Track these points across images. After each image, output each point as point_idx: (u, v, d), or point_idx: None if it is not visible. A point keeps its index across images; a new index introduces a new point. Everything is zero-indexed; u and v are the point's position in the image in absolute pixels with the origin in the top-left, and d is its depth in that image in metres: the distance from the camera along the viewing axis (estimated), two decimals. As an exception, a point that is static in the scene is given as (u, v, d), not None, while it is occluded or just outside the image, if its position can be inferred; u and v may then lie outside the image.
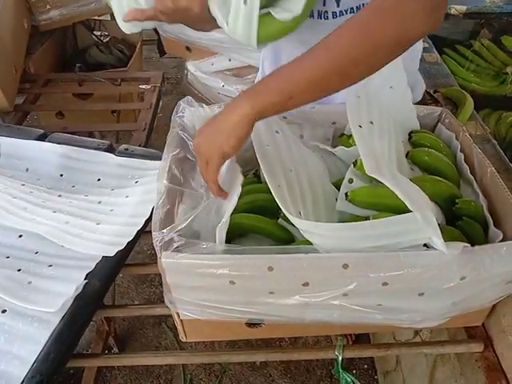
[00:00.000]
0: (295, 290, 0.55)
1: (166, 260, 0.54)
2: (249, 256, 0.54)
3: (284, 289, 0.55)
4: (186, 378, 1.36)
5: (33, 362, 0.62)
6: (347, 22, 0.54)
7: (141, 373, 1.37)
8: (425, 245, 0.55)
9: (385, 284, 0.54)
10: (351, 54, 0.52)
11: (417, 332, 1.00)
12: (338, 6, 0.70)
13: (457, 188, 0.67)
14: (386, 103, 0.74)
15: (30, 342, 0.64)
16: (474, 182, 0.67)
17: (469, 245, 0.55)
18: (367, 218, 0.60)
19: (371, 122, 0.68)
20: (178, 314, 0.62)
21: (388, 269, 0.54)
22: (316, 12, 0.72)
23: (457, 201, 0.63)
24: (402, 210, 0.54)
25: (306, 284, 0.54)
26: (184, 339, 0.67)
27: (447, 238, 0.53)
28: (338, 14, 0.71)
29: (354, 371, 1.39)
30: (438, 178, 0.66)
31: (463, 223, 0.61)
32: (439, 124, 0.80)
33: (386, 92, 0.75)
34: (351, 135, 0.71)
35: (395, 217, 0.54)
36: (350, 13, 0.71)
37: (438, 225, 0.53)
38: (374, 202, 0.62)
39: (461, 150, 0.73)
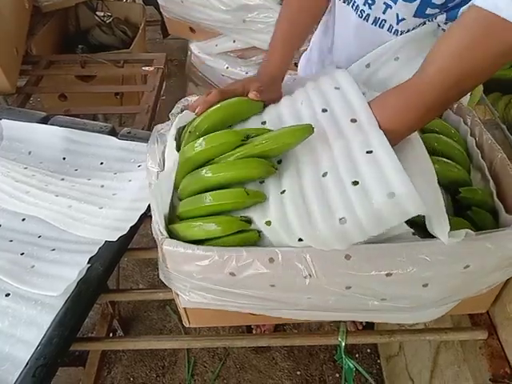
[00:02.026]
0: (297, 282, 0.54)
1: (167, 247, 0.53)
2: (249, 248, 0.53)
3: (285, 281, 0.54)
4: (190, 360, 1.37)
5: (36, 345, 0.62)
6: (446, 41, 0.53)
7: (145, 355, 1.38)
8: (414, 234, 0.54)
9: (389, 275, 0.53)
10: (464, 69, 0.52)
11: (420, 318, 0.99)
12: (398, 24, 0.71)
13: (467, 173, 0.66)
14: (392, 76, 0.73)
15: (34, 326, 0.64)
16: (486, 167, 0.66)
17: (473, 232, 0.53)
18: None
19: None
20: (179, 300, 0.61)
21: (391, 259, 0.53)
22: (372, 18, 0.72)
23: (460, 189, 0.62)
24: None
25: (307, 276, 0.53)
26: (187, 325, 0.67)
27: (455, 229, 0.52)
28: (393, 31, 0.72)
29: (357, 355, 1.40)
30: (448, 161, 0.64)
31: (471, 213, 0.60)
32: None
33: (393, 64, 0.73)
34: None
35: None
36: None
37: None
38: None
39: (471, 135, 0.71)
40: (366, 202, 0.49)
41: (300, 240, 0.51)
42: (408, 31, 0.71)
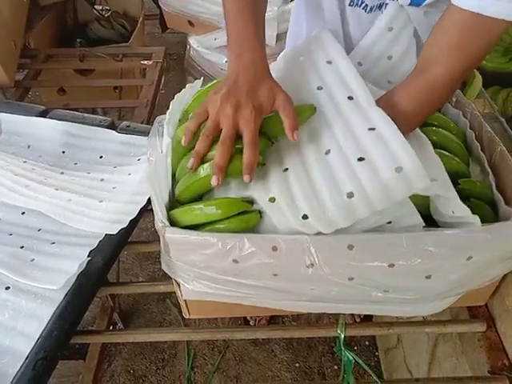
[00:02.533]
0: (300, 272, 0.53)
1: (169, 235, 0.53)
2: (251, 235, 0.53)
3: (288, 271, 0.54)
4: (190, 352, 1.38)
5: (37, 338, 0.63)
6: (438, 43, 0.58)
7: (145, 347, 1.39)
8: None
9: (391, 266, 0.53)
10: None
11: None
12: None
13: (466, 166, 0.66)
14: (385, 74, 0.73)
15: (34, 319, 0.64)
16: (485, 160, 0.66)
17: (480, 223, 0.54)
18: None
19: None
20: (180, 291, 0.62)
21: (394, 249, 0.53)
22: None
23: (459, 181, 0.62)
24: None
25: (310, 266, 0.53)
26: (187, 316, 0.67)
27: None
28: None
29: (355, 348, 1.41)
30: (447, 153, 0.64)
31: (471, 205, 0.60)
32: (445, 102, 0.78)
33: (384, 62, 0.73)
34: None
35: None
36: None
37: None
38: None
39: (470, 128, 0.71)
40: (374, 177, 0.50)
41: (304, 217, 0.50)
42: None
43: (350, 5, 0.74)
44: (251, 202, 0.55)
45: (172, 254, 0.55)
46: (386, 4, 0.71)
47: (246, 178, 0.53)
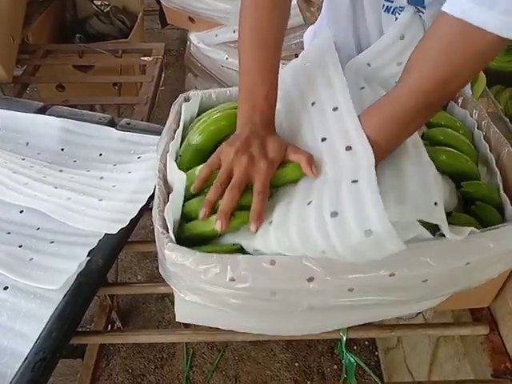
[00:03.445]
0: (299, 287, 0.53)
1: (168, 252, 0.53)
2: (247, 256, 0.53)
3: (287, 286, 0.53)
4: (189, 351, 1.37)
5: (36, 339, 0.62)
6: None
7: (143, 346, 1.38)
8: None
9: (392, 275, 0.53)
10: (442, 74, 0.52)
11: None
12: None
13: (475, 165, 0.65)
14: (393, 78, 0.72)
15: (33, 319, 0.63)
16: (494, 160, 0.65)
17: (477, 230, 0.53)
18: None
19: None
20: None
21: (394, 259, 0.52)
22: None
23: (462, 184, 0.61)
24: None
25: (310, 279, 0.52)
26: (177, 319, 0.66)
27: (460, 225, 0.52)
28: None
29: (355, 347, 1.40)
30: (456, 151, 0.63)
31: (476, 208, 0.60)
32: (451, 101, 0.77)
33: (395, 68, 0.72)
34: None
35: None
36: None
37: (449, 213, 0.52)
38: None
39: (478, 128, 0.70)
40: (344, 237, 0.48)
41: None
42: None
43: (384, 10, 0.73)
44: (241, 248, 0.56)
45: (168, 264, 0.54)
46: (399, 8, 0.70)
47: (252, 226, 0.54)
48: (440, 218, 0.51)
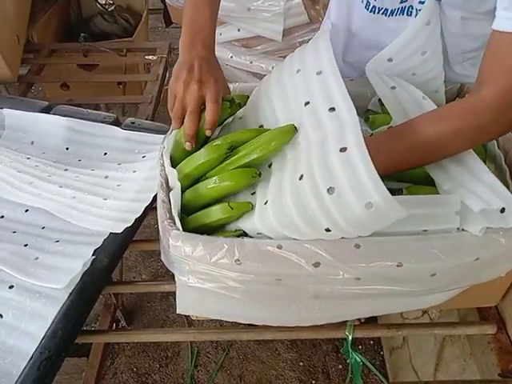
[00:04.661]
0: (305, 272, 0.52)
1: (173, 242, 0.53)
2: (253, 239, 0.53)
3: (293, 272, 0.53)
4: (193, 351, 1.37)
5: (41, 338, 0.62)
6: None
7: (148, 345, 1.39)
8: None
9: (400, 265, 0.52)
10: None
11: (425, 311, 0.99)
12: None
13: (483, 163, 0.65)
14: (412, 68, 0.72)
15: (38, 318, 0.64)
16: (503, 158, 0.64)
17: (489, 225, 0.53)
18: (400, 192, 0.57)
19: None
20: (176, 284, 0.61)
21: (402, 251, 0.52)
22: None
23: None
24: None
25: (316, 264, 0.52)
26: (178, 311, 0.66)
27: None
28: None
29: (360, 347, 1.40)
30: None
31: None
32: (458, 99, 0.77)
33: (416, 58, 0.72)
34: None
35: (424, 196, 0.52)
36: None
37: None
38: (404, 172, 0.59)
39: None
40: (346, 213, 0.48)
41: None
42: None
43: (370, 11, 0.73)
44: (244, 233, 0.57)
45: (171, 248, 0.54)
46: (411, 7, 0.69)
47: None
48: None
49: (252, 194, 0.58)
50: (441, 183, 0.58)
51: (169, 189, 0.60)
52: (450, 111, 0.57)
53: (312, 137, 0.55)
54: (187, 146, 0.60)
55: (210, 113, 0.60)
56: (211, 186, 0.56)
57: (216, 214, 0.55)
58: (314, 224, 0.50)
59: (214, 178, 0.57)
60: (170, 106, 0.64)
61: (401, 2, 0.70)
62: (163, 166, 0.62)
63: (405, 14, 0.70)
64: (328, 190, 0.49)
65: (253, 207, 0.55)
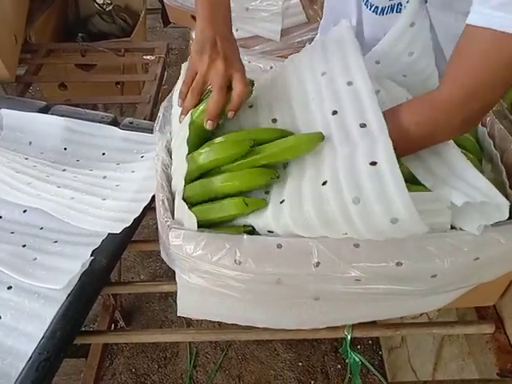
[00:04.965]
0: (305, 272, 0.52)
1: (173, 240, 0.53)
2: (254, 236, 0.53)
3: (292, 272, 0.53)
4: (192, 351, 1.37)
5: (39, 338, 0.62)
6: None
7: (147, 346, 1.38)
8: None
9: (399, 264, 0.52)
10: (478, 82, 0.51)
11: (424, 310, 0.99)
12: None
13: (479, 163, 0.65)
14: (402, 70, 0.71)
15: (37, 319, 0.63)
16: (499, 157, 0.64)
17: (488, 224, 0.53)
18: None
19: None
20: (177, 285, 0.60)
21: (401, 250, 0.52)
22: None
23: None
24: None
25: (316, 264, 0.52)
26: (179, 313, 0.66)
27: None
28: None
29: (359, 347, 1.40)
30: (459, 148, 0.63)
31: None
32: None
33: (404, 59, 0.71)
34: None
35: (416, 193, 0.52)
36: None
37: None
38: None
39: (482, 125, 0.70)
40: (370, 224, 0.49)
41: None
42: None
43: (369, 8, 0.73)
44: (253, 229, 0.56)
45: (171, 247, 0.54)
46: (399, 4, 0.69)
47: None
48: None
49: (266, 192, 0.57)
50: (423, 180, 0.57)
51: (169, 183, 0.60)
52: (409, 103, 0.57)
53: (339, 149, 0.55)
54: (209, 124, 0.58)
55: (239, 94, 0.58)
56: (227, 182, 0.55)
57: (229, 208, 0.54)
58: (332, 227, 0.51)
59: (231, 174, 0.55)
60: (187, 80, 0.62)
61: (390, 0, 0.69)
62: (158, 156, 0.62)
63: (394, 11, 0.70)
64: (353, 199, 0.49)
65: (267, 204, 0.55)
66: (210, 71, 0.59)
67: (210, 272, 0.53)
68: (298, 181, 0.55)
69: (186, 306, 0.63)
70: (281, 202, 0.54)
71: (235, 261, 0.51)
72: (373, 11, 0.72)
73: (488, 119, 0.69)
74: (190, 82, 0.62)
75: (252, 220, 0.55)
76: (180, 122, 0.61)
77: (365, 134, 0.54)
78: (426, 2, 0.67)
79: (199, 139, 0.61)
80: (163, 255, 0.57)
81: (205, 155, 0.56)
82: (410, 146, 0.56)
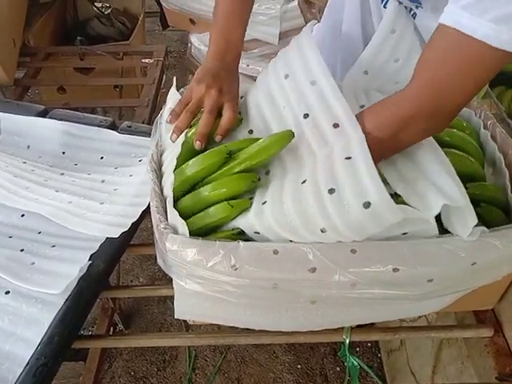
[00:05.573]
0: (301, 277, 0.52)
1: (169, 245, 0.53)
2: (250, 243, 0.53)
3: (289, 276, 0.53)
4: (191, 354, 1.37)
5: (37, 343, 0.61)
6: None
7: (146, 349, 1.38)
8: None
9: (396, 270, 0.52)
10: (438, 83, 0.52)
11: (423, 313, 0.99)
12: None
13: (481, 167, 0.65)
14: (392, 76, 0.71)
15: (34, 324, 0.63)
16: (502, 161, 0.64)
17: (486, 230, 0.53)
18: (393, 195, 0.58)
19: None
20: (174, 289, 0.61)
21: (397, 256, 0.52)
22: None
23: (467, 185, 0.61)
24: None
25: (312, 270, 0.52)
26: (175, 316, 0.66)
27: None
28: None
29: (358, 349, 1.40)
30: (461, 153, 0.63)
31: (481, 210, 0.59)
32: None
33: (391, 66, 0.71)
34: None
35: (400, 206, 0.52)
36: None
37: None
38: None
39: (484, 128, 0.70)
40: (343, 212, 0.49)
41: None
42: None
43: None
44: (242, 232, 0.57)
45: (168, 253, 0.54)
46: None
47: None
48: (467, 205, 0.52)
49: (250, 198, 0.58)
50: (393, 185, 0.56)
51: (161, 191, 0.61)
52: (378, 104, 0.57)
53: (317, 151, 0.56)
54: (197, 144, 0.61)
55: (227, 120, 0.62)
56: (212, 191, 0.57)
57: (216, 213, 0.56)
58: (310, 223, 0.51)
59: (215, 183, 0.58)
60: (182, 101, 0.66)
61: None
62: (151, 162, 0.63)
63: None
64: (329, 190, 0.50)
65: (251, 205, 0.56)
66: (205, 97, 0.64)
67: (206, 278, 0.53)
68: (280, 183, 0.56)
69: (184, 310, 0.63)
70: (263, 203, 0.55)
71: (231, 266, 0.51)
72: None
73: (489, 122, 0.69)
74: (185, 104, 0.66)
75: (239, 222, 0.56)
76: (171, 141, 0.64)
77: (339, 134, 0.55)
78: (416, 8, 0.67)
79: (191, 157, 0.63)
80: (160, 262, 0.57)
81: (190, 167, 0.60)
82: (378, 150, 0.55)
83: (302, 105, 0.60)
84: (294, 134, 0.57)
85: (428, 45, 0.52)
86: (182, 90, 0.73)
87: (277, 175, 0.58)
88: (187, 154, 0.62)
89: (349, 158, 0.51)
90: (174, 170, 0.59)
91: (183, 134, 0.63)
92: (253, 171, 0.59)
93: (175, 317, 0.63)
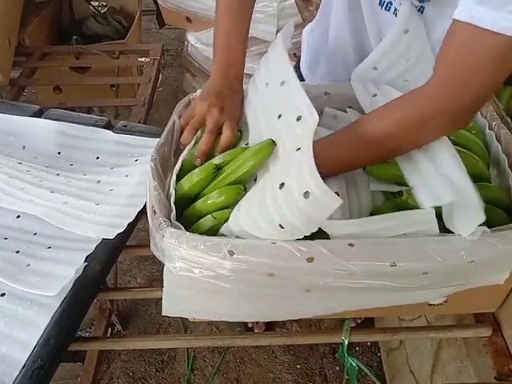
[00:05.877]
0: (298, 266, 0.52)
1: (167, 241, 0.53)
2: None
3: (285, 267, 0.53)
4: (190, 355, 1.37)
5: (33, 346, 0.61)
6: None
7: (144, 350, 1.37)
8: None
9: (393, 265, 0.52)
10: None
11: (422, 312, 0.99)
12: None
13: (486, 167, 0.64)
14: (401, 74, 0.71)
15: (30, 326, 0.63)
16: (506, 161, 0.64)
17: (488, 230, 0.53)
18: (400, 194, 0.59)
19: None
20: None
21: (396, 252, 0.52)
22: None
23: None
24: None
25: (310, 259, 0.51)
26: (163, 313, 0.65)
27: None
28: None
29: (357, 348, 1.39)
30: (467, 151, 0.62)
31: (484, 210, 0.59)
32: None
33: (401, 65, 0.71)
34: None
35: (399, 213, 0.54)
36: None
37: None
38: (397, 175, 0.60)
39: (489, 129, 0.69)
40: (290, 204, 0.50)
41: None
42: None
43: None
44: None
45: (163, 235, 0.54)
46: (390, 3, 0.69)
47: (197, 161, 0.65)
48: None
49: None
50: (408, 176, 0.58)
51: (160, 179, 0.62)
52: (396, 101, 0.57)
53: (288, 148, 0.57)
54: (197, 161, 0.64)
55: (226, 139, 0.65)
56: (205, 202, 0.61)
57: (204, 225, 0.59)
58: (269, 220, 0.52)
59: (207, 195, 0.62)
60: (186, 116, 0.69)
61: None
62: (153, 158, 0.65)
63: (383, 8, 0.70)
64: (280, 185, 0.52)
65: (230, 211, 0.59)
66: (207, 115, 0.66)
67: (201, 262, 0.53)
68: (256, 187, 0.58)
69: (172, 305, 0.62)
70: (238, 210, 0.57)
71: (228, 251, 0.52)
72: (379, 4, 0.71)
73: (494, 123, 0.69)
74: (187, 120, 0.69)
75: (222, 230, 0.58)
76: (195, 162, 0.66)
77: (302, 126, 0.56)
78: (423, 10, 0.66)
79: None
80: (153, 248, 0.57)
81: (185, 183, 0.63)
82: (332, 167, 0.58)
83: (279, 106, 0.62)
84: (274, 142, 0.60)
85: (445, 43, 0.51)
86: (194, 94, 0.75)
87: (261, 181, 0.60)
88: (191, 169, 0.65)
89: (298, 149, 0.53)
90: (175, 183, 0.63)
91: (186, 149, 0.66)
92: (243, 181, 0.62)
93: (162, 313, 0.62)
